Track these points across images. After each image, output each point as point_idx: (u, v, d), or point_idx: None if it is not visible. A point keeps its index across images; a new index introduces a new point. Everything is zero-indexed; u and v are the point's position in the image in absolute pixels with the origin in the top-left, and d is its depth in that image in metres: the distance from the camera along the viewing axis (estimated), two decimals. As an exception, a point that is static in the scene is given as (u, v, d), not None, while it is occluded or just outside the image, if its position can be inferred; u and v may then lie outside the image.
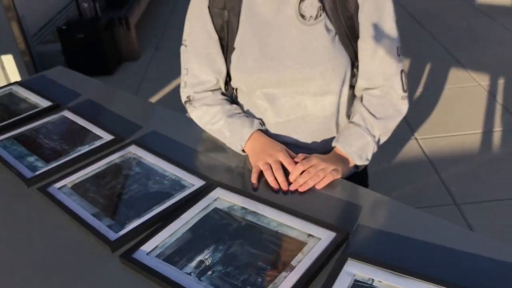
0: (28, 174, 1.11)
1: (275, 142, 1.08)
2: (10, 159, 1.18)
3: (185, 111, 1.23)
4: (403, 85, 1.09)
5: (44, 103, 1.45)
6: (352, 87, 1.14)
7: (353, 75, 1.12)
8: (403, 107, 1.11)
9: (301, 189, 0.97)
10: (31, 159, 1.18)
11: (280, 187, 0.98)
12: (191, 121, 1.22)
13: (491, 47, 3.71)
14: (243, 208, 0.93)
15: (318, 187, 0.97)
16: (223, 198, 0.96)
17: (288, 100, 1.11)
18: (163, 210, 0.94)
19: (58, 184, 1.06)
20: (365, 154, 1.08)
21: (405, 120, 2.90)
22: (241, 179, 1.04)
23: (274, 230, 0.87)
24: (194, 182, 1.02)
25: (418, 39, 4.03)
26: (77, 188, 1.05)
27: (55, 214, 0.98)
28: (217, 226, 0.89)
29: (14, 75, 4.04)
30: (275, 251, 0.82)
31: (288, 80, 1.08)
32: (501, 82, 3.17)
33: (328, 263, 0.79)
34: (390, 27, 1.06)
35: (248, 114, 1.16)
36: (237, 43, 1.10)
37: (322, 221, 0.86)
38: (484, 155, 2.52)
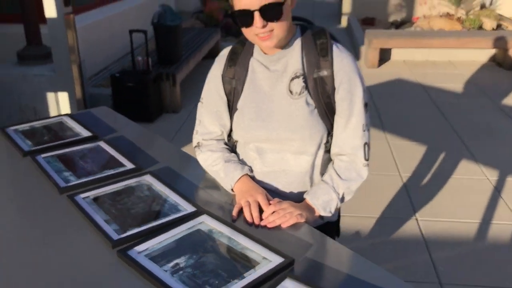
0: (62, 184, 1.39)
1: (258, 186, 1.33)
2: (51, 171, 1.47)
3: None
4: (365, 155, 1.34)
5: (85, 133, 1.76)
6: (327, 151, 1.38)
7: (328, 142, 1.36)
8: (365, 172, 1.35)
9: (269, 225, 1.21)
10: (67, 174, 1.47)
11: (253, 221, 1.22)
12: (198, 163, 1.50)
13: (507, 146, 3.89)
14: (220, 232, 1.17)
15: (283, 225, 1.21)
16: (206, 223, 1.21)
17: (273, 154, 1.36)
18: (158, 224, 1.20)
19: (83, 195, 1.34)
20: (329, 207, 1.31)
21: (410, 200, 3.09)
22: (224, 211, 1.29)
23: (239, 251, 1.10)
24: (187, 208, 1.27)
25: (438, 128, 4.26)
26: (97, 200, 1.32)
27: (76, 216, 1.25)
28: (196, 242, 1.14)
29: (66, 110, 4.48)
30: (234, 265, 1.05)
31: (275, 138, 1.33)
32: (509, 179, 3.32)
33: (272, 279, 1.01)
34: (358, 108, 1.32)
35: (242, 162, 1.42)
36: (239, 105, 1.38)
37: (276, 249, 1.09)
38: (478, 243, 2.65)
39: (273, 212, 1.23)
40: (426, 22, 7.37)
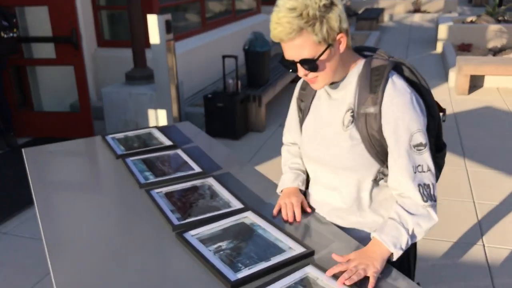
0: (142, 180, 1.72)
1: (298, 192, 1.54)
2: (135, 171, 1.81)
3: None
4: (422, 197, 1.28)
5: (167, 142, 2.10)
6: (381, 185, 1.38)
7: (377, 177, 1.37)
8: (432, 213, 1.29)
9: (347, 283, 1.16)
10: (147, 173, 1.79)
11: (288, 219, 1.45)
12: (254, 170, 1.75)
13: None
14: (259, 225, 1.41)
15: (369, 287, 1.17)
16: (250, 217, 1.45)
17: (326, 175, 1.44)
18: (211, 215, 1.46)
19: (158, 190, 1.65)
20: (400, 243, 1.25)
21: (480, 226, 3.07)
22: (266, 209, 1.52)
23: (271, 240, 1.33)
24: (237, 205, 1.52)
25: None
26: (168, 194, 1.62)
27: (150, 206, 1.56)
28: (238, 231, 1.38)
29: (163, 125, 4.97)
30: (264, 251, 1.28)
31: (327, 162, 1.41)
32: None
33: (294, 264, 1.22)
34: (404, 150, 1.28)
35: (306, 172, 1.59)
36: (304, 126, 1.51)
37: (301, 241, 1.30)
38: (547, 275, 2.59)
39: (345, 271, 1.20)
40: (526, 48, 7.04)
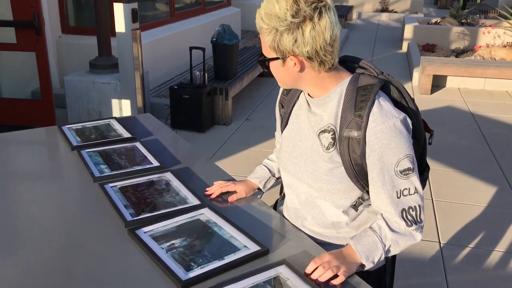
0: (96, 173, 1.67)
1: (246, 185, 1.59)
2: (90, 163, 1.76)
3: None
4: (406, 222, 1.24)
5: (126, 134, 2.05)
6: (359, 209, 1.34)
7: (357, 203, 1.32)
8: (415, 235, 1.26)
9: (320, 279, 1.18)
10: (103, 166, 1.75)
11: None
12: (215, 167, 1.73)
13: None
14: (215, 222, 1.39)
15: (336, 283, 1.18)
16: (206, 214, 1.43)
17: (301, 191, 1.40)
18: (166, 212, 1.43)
19: (112, 184, 1.60)
20: (372, 257, 1.24)
21: (436, 224, 3.14)
22: (223, 206, 1.50)
23: (226, 238, 1.31)
24: (193, 201, 1.50)
25: (480, 156, 4.24)
26: (123, 189, 1.58)
27: (104, 200, 1.51)
28: (193, 228, 1.36)
29: (127, 115, 4.89)
30: (218, 249, 1.26)
31: (302, 178, 1.36)
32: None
33: (249, 263, 1.21)
34: (390, 176, 1.22)
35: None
36: (283, 135, 1.44)
37: (256, 240, 1.29)
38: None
39: (317, 267, 1.20)
40: (487, 51, 7.26)
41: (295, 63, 1.21)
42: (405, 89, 1.33)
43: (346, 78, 1.28)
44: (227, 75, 5.29)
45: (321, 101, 1.30)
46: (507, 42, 7.70)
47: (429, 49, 8.07)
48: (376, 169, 1.23)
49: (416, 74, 6.60)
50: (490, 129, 4.96)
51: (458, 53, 7.90)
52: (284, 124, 1.45)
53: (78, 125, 2.16)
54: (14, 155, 1.86)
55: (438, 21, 9.09)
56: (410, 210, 1.24)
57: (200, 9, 7.87)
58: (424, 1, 15.68)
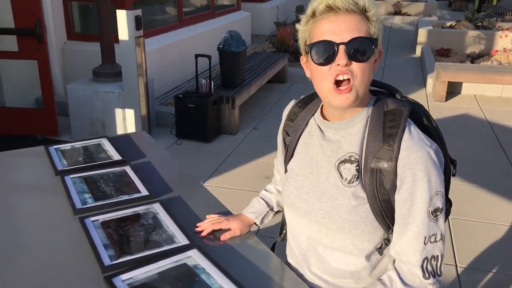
0: (78, 205, 1.52)
1: (237, 219, 1.43)
2: (73, 192, 1.60)
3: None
4: (424, 273, 1.08)
5: (116, 157, 1.89)
6: (380, 248, 1.16)
7: (382, 246, 1.15)
8: None
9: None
10: (87, 195, 1.59)
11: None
12: (209, 196, 1.57)
13: None
14: (203, 268, 1.22)
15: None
16: (194, 257, 1.26)
17: (307, 236, 1.22)
18: (149, 254, 1.27)
19: (93, 218, 1.45)
20: None
21: (452, 244, 2.94)
22: (214, 245, 1.34)
23: (215, 289, 1.15)
24: (181, 241, 1.33)
25: (498, 168, 4.03)
26: (104, 224, 1.42)
27: (82, 237, 1.36)
28: (178, 276, 1.19)
29: (131, 126, 4.77)
30: (205, 303, 1.10)
31: (313, 219, 1.18)
32: None
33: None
34: (420, 217, 1.06)
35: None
36: (289, 166, 1.27)
37: (248, 292, 1.12)
38: None
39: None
40: (505, 56, 7.01)
41: (376, 59, 1.10)
42: (430, 115, 1.18)
43: (371, 99, 1.15)
44: (234, 82, 5.14)
45: (342, 125, 1.14)
46: (525, 46, 7.45)
47: (443, 53, 7.84)
48: (406, 205, 1.07)
49: (430, 80, 6.38)
50: (508, 139, 4.74)
51: (474, 57, 7.66)
52: (289, 155, 1.28)
53: (67, 146, 2.02)
54: (-7, 181, 1.72)
55: (453, 25, 8.85)
56: (433, 259, 1.08)
57: (209, 14, 7.73)
58: (438, 3, 15.39)
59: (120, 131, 4.83)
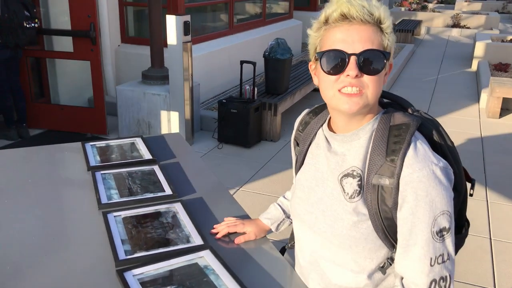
0: (104, 200, 1.57)
1: (253, 222, 1.43)
2: (101, 187, 1.66)
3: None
4: None
5: (147, 156, 1.94)
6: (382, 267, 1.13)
7: (385, 265, 1.12)
8: None
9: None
10: (113, 191, 1.64)
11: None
12: (231, 200, 1.59)
13: None
14: (213, 269, 1.23)
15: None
16: (205, 258, 1.27)
17: (312, 248, 1.21)
18: (163, 252, 1.29)
19: (116, 214, 1.49)
20: None
21: (493, 267, 2.80)
22: (227, 247, 1.34)
23: (221, 291, 1.15)
24: (196, 241, 1.35)
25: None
26: (125, 220, 1.46)
27: (102, 231, 1.40)
28: (187, 275, 1.21)
29: (175, 128, 4.87)
30: (210, 304, 1.10)
31: (317, 231, 1.17)
32: None
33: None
34: (423, 238, 1.02)
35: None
36: (298, 177, 1.27)
37: (253, 296, 1.11)
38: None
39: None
40: None
41: (386, 73, 1.08)
42: (445, 131, 1.12)
43: (379, 112, 1.11)
44: (278, 90, 5.15)
45: (347, 137, 1.12)
46: None
47: (501, 68, 7.51)
48: (407, 225, 1.03)
49: (484, 95, 6.14)
50: None
51: (534, 74, 7.29)
52: (298, 166, 1.27)
53: (103, 143, 2.09)
54: (27, 172, 1.81)
55: (513, 39, 8.48)
56: (441, 281, 1.03)
57: (260, 22, 7.80)
58: (501, 16, 14.79)
59: (164, 132, 4.95)
